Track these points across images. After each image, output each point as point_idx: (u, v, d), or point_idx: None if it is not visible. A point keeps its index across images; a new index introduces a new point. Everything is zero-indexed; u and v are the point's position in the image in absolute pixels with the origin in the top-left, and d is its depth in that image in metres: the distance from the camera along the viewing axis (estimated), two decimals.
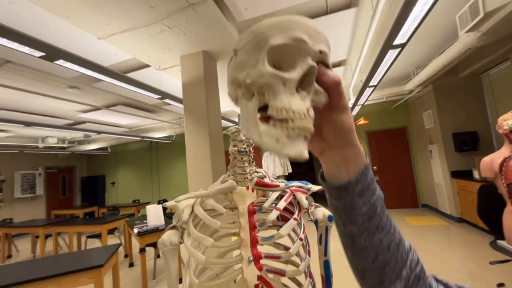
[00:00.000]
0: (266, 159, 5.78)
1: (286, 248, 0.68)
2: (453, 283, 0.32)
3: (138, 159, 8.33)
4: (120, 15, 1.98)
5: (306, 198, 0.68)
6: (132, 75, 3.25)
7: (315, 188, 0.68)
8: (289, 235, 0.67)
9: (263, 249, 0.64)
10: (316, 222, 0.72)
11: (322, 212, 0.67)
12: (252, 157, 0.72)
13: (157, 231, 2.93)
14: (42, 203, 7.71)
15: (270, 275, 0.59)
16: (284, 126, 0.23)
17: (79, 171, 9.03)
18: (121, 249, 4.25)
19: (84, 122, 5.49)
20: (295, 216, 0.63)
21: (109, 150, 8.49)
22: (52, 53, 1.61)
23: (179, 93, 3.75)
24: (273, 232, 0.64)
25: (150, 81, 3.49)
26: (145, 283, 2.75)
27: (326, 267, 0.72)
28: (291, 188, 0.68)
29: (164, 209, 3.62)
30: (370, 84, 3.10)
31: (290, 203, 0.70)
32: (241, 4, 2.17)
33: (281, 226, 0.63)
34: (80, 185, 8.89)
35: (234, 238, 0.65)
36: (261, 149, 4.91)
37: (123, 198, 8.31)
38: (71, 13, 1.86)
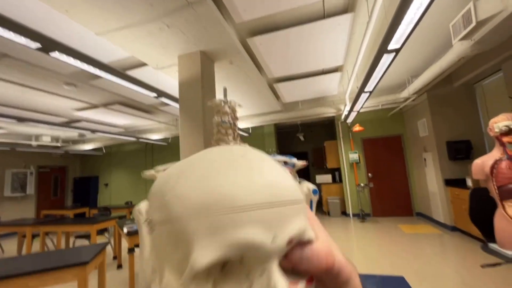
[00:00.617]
0: None
1: None
2: None
3: (132, 161, 8.25)
4: (119, 11, 1.99)
5: (290, 173, 0.67)
6: (130, 73, 3.25)
7: (300, 163, 0.68)
8: None
9: None
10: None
11: (307, 185, 0.66)
12: (237, 132, 0.71)
13: None
14: (32, 202, 7.54)
15: None
16: None
17: (72, 171, 8.89)
18: (110, 251, 4.15)
19: (79, 121, 5.44)
20: None
21: (104, 151, 8.40)
22: (48, 44, 1.61)
23: (175, 94, 3.75)
24: None
25: (148, 80, 3.49)
26: (132, 286, 2.68)
27: None
28: (276, 160, 0.67)
29: None
30: (366, 89, 3.14)
31: None
32: (240, 4, 2.20)
33: None
34: (72, 186, 8.74)
35: None
36: None
37: (116, 200, 8.18)
38: (70, 7, 1.87)
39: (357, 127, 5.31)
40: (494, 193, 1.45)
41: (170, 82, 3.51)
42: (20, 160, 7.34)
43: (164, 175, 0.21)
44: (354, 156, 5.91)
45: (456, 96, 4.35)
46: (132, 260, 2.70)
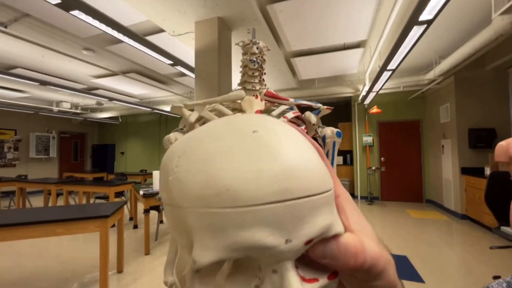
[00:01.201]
0: None
1: None
2: None
3: (147, 131, 8.48)
4: None
5: (313, 125, 0.68)
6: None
7: (325, 107, 0.67)
8: None
9: None
10: (324, 138, 0.72)
11: (330, 129, 0.67)
12: (263, 77, 0.70)
13: None
14: (55, 165, 8.05)
15: None
16: None
17: (91, 138, 9.30)
18: (126, 212, 4.43)
19: (97, 88, 5.57)
20: (302, 128, 0.63)
21: (120, 120, 8.65)
22: (68, 1, 1.60)
23: (191, 64, 3.71)
24: None
25: (164, 47, 3.46)
26: (147, 243, 2.89)
27: None
28: (301, 104, 0.67)
29: None
30: (389, 67, 2.98)
31: (298, 118, 0.69)
32: None
33: None
34: (91, 152, 9.19)
35: None
36: None
37: (131, 168, 8.57)
38: None
39: (374, 109, 5.13)
40: None
41: (187, 51, 3.46)
42: (43, 124, 7.72)
43: (172, 148, 0.19)
44: (368, 139, 5.79)
45: (486, 81, 4.06)
46: (147, 220, 2.89)
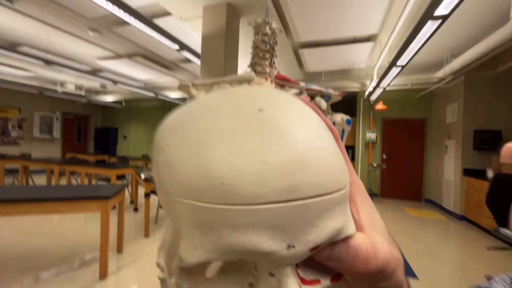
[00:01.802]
0: None
1: None
2: None
3: (150, 116, 8.49)
4: None
5: (323, 111, 0.67)
6: None
7: (336, 93, 0.66)
8: None
9: None
10: (333, 124, 0.71)
11: (340, 115, 0.66)
12: (274, 60, 0.68)
13: None
14: (58, 145, 8.12)
15: None
16: None
17: (94, 121, 9.32)
18: (127, 195, 4.49)
19: (102, 71, 5.53)
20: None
21: (124, 104, 8.64)
22: None
23: (198, 49, 3.66)
24: None
25: (170, 32, 3.40)
26: (147, 226, 2.94)
27: None
28: (312, 88, 0.66)
29: None
30: (398, 63, 2.92)
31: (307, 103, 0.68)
32: None
33: None
34: (94, 134, 9.24)
35: None
36: None
37: (133, 152, 8.63)
38: None
39: (380, 106, 5.07)
40: None
41: (193, 37, 3.40)
42: (46, 105, 7.73)
43: (165, 123, 0.16)
44: (371, 135, 5.75)
45: (497, 82, 3.97)
46: (148, 204, 2.93)
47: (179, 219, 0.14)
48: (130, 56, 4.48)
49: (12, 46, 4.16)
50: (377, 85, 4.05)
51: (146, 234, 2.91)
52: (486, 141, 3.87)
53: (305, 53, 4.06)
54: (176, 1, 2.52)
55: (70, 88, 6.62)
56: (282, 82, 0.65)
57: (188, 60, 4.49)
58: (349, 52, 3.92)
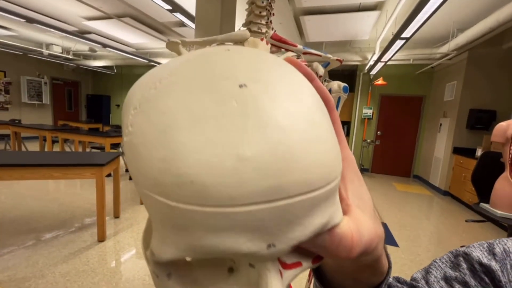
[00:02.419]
0: None
1: None
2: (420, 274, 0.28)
3: None
4: None
5: (319, 78, 0.65)
6: None
7: (335, 59, 0.64)
8: None
9: None
10: (329, 92, 0.70)
11: (337, 83, 0.64)
12: (271, 19, 0.64)
13: None
14: (49, 112, 7.90)
15: None
16: None
17: (85, 87, 8.99)
18: (122, 164, 4.52)
19: (89, 32, 5.18)
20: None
21: (115, 70, 8.28)
22: None
23: (192, 12, 3.42)
24: None
25: None
26: None
27: None
28: (310, 52, 0.64)
29: None
30: (403, 35, 2.79)
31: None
32: None
33: None
34: (85, 102, 8.97)
35: None
36: None
37: None
38: None
39: (379, 81, 4.98)
40: (507, 157, 1.43)
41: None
42: (33, 68, 7.35)
43: (133, 91, 0.13)
44: (368, 111, 5.73)
45: (500, 61, 3.89)
46: None
47: (149, 212, 0.12)
48: (119, 16, 4.17)
49: None
50: (379, 58, 3.93)
51: (142, 201, 2.98)
52: (480, 121, 3.91)
53: (306, 21, 3.83)
54: None
55: (57, 50, 6.24)
56: (278, 44, 0.62)
57: (182, 24, 4.22)
58: (353, 21, 3.72)
